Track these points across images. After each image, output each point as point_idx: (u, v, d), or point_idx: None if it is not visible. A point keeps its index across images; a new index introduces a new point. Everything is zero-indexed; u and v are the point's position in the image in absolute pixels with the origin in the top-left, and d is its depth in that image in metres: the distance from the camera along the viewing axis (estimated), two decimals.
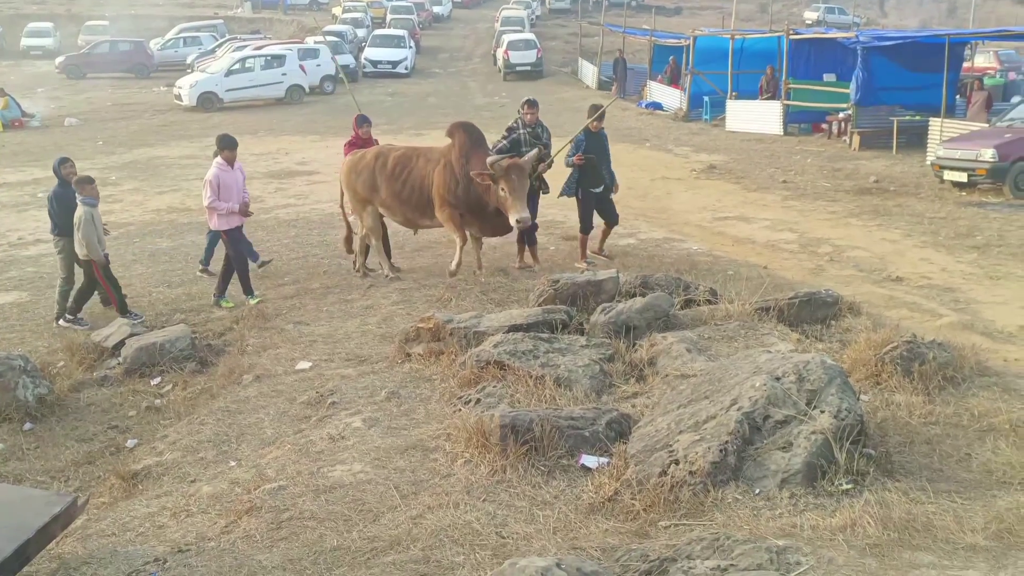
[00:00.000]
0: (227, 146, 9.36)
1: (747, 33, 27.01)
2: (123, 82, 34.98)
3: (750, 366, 5.04)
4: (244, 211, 9.34)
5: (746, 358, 5.33)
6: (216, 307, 9.29)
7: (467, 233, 9.45)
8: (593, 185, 10.00)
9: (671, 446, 4.54)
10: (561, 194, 10.11)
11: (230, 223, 9.24)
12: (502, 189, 8.80)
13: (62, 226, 9.17)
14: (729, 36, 24.96)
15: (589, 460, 4.75)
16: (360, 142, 10.48)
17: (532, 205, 9.55)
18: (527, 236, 9.92)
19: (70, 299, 9.13)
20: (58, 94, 31.40)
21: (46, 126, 24.40)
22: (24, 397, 7.05)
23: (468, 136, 9.24)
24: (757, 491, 4.22)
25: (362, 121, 10.59)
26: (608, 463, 4.69)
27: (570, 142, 9.98)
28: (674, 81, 27.86)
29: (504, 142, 9.67)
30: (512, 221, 8.88)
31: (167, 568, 4.15)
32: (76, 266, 9.20)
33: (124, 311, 9.01)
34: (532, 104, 9.81)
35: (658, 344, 6.27)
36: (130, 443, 6.56)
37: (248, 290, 9.30)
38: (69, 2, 52.84)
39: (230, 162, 9.33)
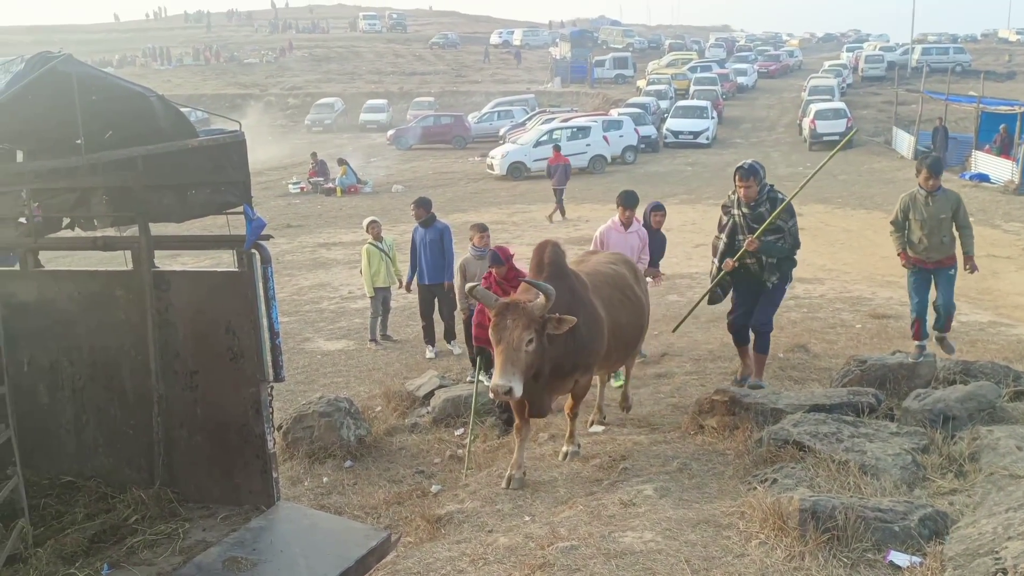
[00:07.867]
0: (625, 203, 8.35)
1: None
2: (443, 152, 38.15)
3: None
4: None
5: None
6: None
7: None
8: None
9: (997, 552, 4.08)
10: None
11: None
12: None
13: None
14: None
15: (899, 557, 4.39)
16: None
17: (766, 304, 7.61)
18: (759, 343, 7.67)
19: None
20: (387, 163, 34.88)
21: (376, 192, 27.21)
22: (347, 437, 7.79)
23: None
24: None
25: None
26: (921, 563, 4.31)
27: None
28: (1004, 151, 25.53)
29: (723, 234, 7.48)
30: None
31: None
32: None
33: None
34: (745, 175, 7.08)
35: (982, 438, 5.69)
36: (434, 488, 6.99)
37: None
38: (402, 81, 59.01)
39: (625, 223, 8.37)
